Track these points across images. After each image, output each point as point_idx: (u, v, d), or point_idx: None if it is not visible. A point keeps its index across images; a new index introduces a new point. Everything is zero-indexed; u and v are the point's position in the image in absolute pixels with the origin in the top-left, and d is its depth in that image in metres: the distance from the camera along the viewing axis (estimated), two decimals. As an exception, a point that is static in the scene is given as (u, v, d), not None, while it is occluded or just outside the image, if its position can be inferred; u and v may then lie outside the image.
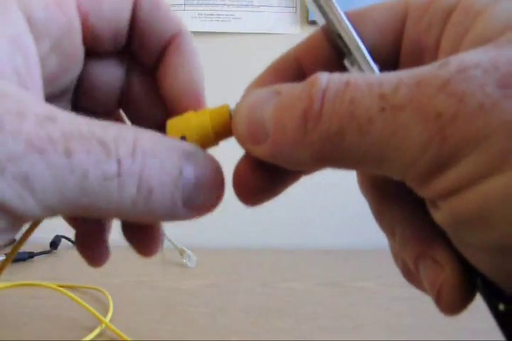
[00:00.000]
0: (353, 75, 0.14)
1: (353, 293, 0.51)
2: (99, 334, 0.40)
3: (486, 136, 0.12)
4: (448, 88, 0.12)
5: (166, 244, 0.75)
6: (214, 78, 0.77)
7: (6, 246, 0.67)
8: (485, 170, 0.12)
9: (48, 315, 0.43)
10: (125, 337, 0.38)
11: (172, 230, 0.71)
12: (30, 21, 0.17)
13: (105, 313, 0.43)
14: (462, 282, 0.15)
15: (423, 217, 0.16)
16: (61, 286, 0.47)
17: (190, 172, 0.16)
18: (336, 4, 0.16)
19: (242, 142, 0.16)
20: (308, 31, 0.89)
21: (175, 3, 0.75)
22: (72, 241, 0.71)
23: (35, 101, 0.15)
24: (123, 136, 0.15)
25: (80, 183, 0.14)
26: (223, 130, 0.18)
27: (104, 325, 0.40)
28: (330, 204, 0.75)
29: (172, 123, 0.19)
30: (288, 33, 0.76)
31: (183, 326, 0.42)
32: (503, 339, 0.18)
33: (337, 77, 0.14)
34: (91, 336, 0.39)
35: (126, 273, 0.55)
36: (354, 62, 0.17)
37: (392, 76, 0.13)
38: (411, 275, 0.18)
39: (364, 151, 0.13)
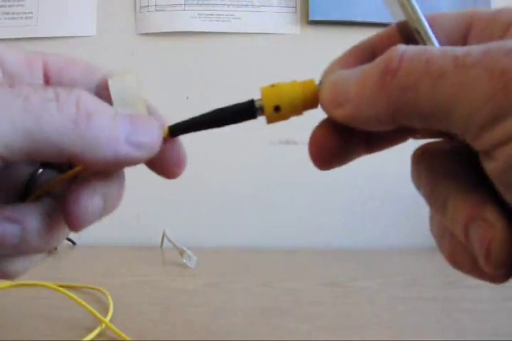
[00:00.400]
0: (428, 46, 0.17)
1: (353, 293, 0.51)
2: (99, 334, 0.40)
3: None
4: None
5: (165, 244, 0.76)
6: (214, 78, 0.77)
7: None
8: None
9: (48, 315, 0.43)
10: (125, 337, 0.38)
11: (172, 230, 0.71)
12: (1, 66, 0.21)
13: (105, 313, 0.43)
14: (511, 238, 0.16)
15: (474, 186, 0.17)
16: (61, 286, 0.47)
17: (126, 118, 0.18)
18: (416, 5, 0.19)
19: (325, 106, 0.19)
20: (308, 31, 0.89)
21: (175, 3, 0.75)
22: (72, 241, 0.71)
23: None
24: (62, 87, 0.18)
25: (22, 106, 0.16)
26: (310, 101, 0.20)
27: (104, 325, 0.40)
28: (330, 204, 0.75)
29: (266, 91, 0.20)
30: (288, 33, 0.76)
31: (183, 326, 0.42)
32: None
33: (413, 46, 0.16)
34: (91, 336, 0.39)
35: (126, 273, 0.55)
36: None
37: (462, 47, 0.15)
38: (457, 249, 0.18)
39: (435, 103, 0.15)
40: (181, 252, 0.61)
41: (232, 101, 0.21)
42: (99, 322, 0.41)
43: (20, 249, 0.20)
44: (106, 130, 0.17)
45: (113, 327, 0.40)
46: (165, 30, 0.75)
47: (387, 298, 0.49)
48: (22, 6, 0.75)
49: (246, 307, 0.46)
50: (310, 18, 0.74)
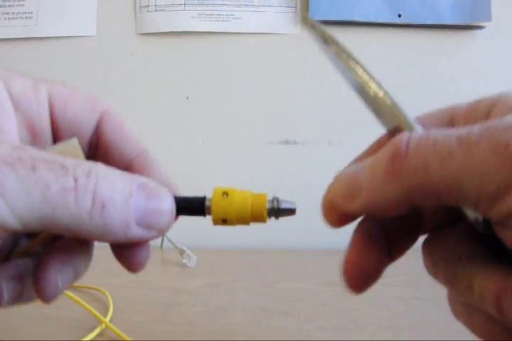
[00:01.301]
0: (429, 130, 0.17)
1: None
2: (100, 334, 0.40)
3: None
4: None
5: (166, 244, 0.76)
6: (214, 78, 0.77)
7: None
8: None
9: (48, 315, 0.43)
10: (125, 337, 0.38)
11: (172, 230, 0.71)
12: (10, 94, 0.21)
13: (105, 313, 0.43)
14: None
15: (493, 260, 0.18)
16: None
17: (141, 195, 0.19)
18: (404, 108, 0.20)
19: (339, 202, 0.19)
20: (308, 31, 0.88)
21: (175, 3, 0.75)
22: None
23: (10, 139, 0.19)
24: (81, 163, 0.18)
25: (42, 193, 0.17)
26: (258, 216, 0.22)
27: (104, 325, 0.40)
28: (330, 204, 0.75)
29: (216, 203, 0.21)
30: (288, 33, 0.76)
31: (183, 326, 0.42)
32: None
33: (417, 132, 0.17)
34: (91, 336, 0.39)
35: (126, 273, 0.55)
36: None
37: (462, 128, 0.16)
38: (489, 325, 0.19)
39: (446, 180, 0.16)
40: (181, 252, 0.61)
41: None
42: (99, 322, 0.41)
43: None
44: (118, 218, 0.18)
45: (113, 327, 0.40)
46: (165, 30, 0.75)
47: (387, 298, 0.49)
48: (22, 5, 0.75)
49: (246, 307, 0.46)
50: (310, 18, 0.73)
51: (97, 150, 0.24)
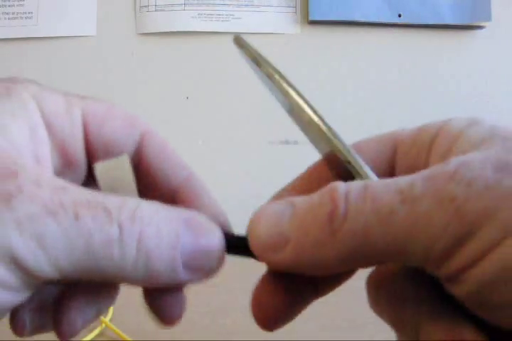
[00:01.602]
0: (368, 180, 0.16)
1: (354, 292, 0.51)
2: (100, 334, 0.40)
3: (495, 209, 0.14)
4: (456, 177, 0.14)
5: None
6: (214, 78, 0.77)
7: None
8: (500, 235, 0.14)
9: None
10: (125, 336, 0.38)
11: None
12: (42, 115, 0.19)
13: (105, 313, 0.43)
14: None
15: (441, 306, 0.17)
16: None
17: (188, 236, 0.17)
18: (339, 134, 0.19)
19: (260, 252, 0.17)
20: (308, 31, 0.89)
21: (175, 3, 0.75)
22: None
23: (49, 175, 0.18)
24: (125, 203, 0.17)
25: (85, 245, 0.16)
26: None
27: (104, 325, 0.40)
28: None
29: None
30: (288, 33, 0.76)
31: (183, 326, 0.42)
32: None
33: (354, 182, 0.16)
34: (91, 336, 0.39)
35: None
36: None
37: (403, 177, 0.15)
38: None
39: (388, 241, 0.15)
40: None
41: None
42: (99, 322, 0.41)
43: None
44: (164, 265, 0.17)
45: (113, 327, 0.40)
46: (165, 30, 0.75)
47: (387, 297, 0.49)
48: (22, 5, 0.75)
49: (246, 307, 0.46)
50: (310, 18, 0.74)
51: (139, 174, 0.21)
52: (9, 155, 0.17)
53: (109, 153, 0.21)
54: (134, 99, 0.78)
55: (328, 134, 0.19)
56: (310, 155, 0.77)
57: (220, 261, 0.19)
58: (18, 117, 0.18)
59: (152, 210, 0.17)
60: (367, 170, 0.18)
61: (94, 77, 0.77)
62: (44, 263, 0.15)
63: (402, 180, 0.15)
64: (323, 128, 0.19)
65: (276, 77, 0.20)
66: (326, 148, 0.19)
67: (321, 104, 0.81)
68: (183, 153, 0.85)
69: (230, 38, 0.86)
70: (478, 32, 0.78)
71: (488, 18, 0.75)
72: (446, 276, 0.15)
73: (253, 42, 0.86)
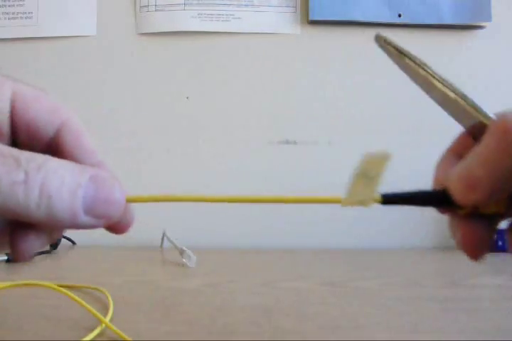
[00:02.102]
0: None
1: (353, 292, 0.51)
2: (100, 334, 0.40)
3: None
4: None
5: (166, 243, 0.76)
6: (214, 78, 0.77)
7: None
8: None
9: (48, 315, 0.43)
10: (125, 336, 0.38)
11: (172, 230, 0.71)
12: None
13: (105, 313, 0.43)
14: None
15: None
16: (61, 286, 0.47)
17: (91, 186, 0.20)
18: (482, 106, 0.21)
19: (461, 197, 0.20)
20: (308, 31, 0.89)
21: (175, 3, 0.74)
22: (72, 241, 0.71)
23: None
24: (35, 156, 0.19)
25: None
26: None
27: (104, 325, 0.40)
28: (330, 204, 0.75)
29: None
30: (288, 33, 0.76)
31: (183, 326, 0.42)
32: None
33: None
34: (91, 336, 0.39)
35: (126, 273, 0.55)
36: None
37: None
38: None
39: None
40: (181, 252, 0.61)
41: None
42: (99, 322, 0.41)
43: None
44: (65, 207, 0.19)
45: (113, 327, 0.40)
46: (165, 30, 0.75)
47: (387, 297, 0.49)
48: (22, 5, 0.75)
49: (246, 307, 0.46)
50: (310, 18, 0.74)
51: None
52: None
53: (31, 133, 0.23)
54: (134, 98, 0.78)
55: (475, 107, 0.21)
56: (310, 155, 0.77)
57: (119, 211, 0.21)
58: None
59: (59, 164, 0.20)
60: None
61: (94, 76, 0.77)
62: None
63: None
64: (470, 102, 0.21)
65: (421, 69, 0.22)
66: (471, 121, 0.21)
67: (320, 104, 0.81)
68: (183, 152, 0.86)
69: (230, 38, 0.86)
70: (478, 32, 0.78)
71: (489, 18, 0.75)
72: None
73: (253, 42, 0.86)
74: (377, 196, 0.23)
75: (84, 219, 0.20)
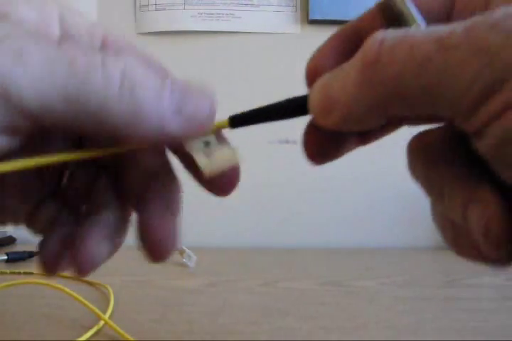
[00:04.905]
0: (407, 29, 0.16)
1: (353, 292, 0.51)
2: (99, 333, 0.40)
3: None
4: (496, 28, 0.14)
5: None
6: (214, 78, 0.77)
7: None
8: None
9: (48, 314, 0.43)
10: (124, 334, 0.38)
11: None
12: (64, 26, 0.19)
13: (105, 312, 0.43)
14: (508, 216, 0.16)
15: (468, 171, 0.17)
16: (63, 277, 0.47)
17: (176, 80, 0.17)
18: None
19: (316, 117, 0.18)
20: (308, 31, 0.89)
21: (175, 3, 0.74)
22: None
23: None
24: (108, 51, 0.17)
25: (67, 67, 0.15)
26: None
27: (103, 323, 0.40)
28: (330, 203, 0.75)
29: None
30: (288, 33, 0.76)
31: (183, 326, 0.42)
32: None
33: (393, 30, 0.16)
34: (90, 333, 0.39)
35: (126, 273, 0.55)
36: None
37: (445, 26, 0.15)
38: (459, 237, 0.18)
39: (422, 89, 0.15)
40: (181, 252, 0.61)
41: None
42: (99, 320, 0.41)
43: None
44: (151, 102, 0.16)
45: (112, 324, 0.40)
46: (165, 30, 0.75)
47: (387, 297, 0.49)
48: (22, 5, 0.75)
49: (246, 307, 0.46)
50: (310, 18, 0.73)
51: None
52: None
53: None
54: (133, 98, 0.78)
55: None
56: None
57: (212, 114, 0.18)
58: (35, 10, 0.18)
59: (140, 65, 0.17)
60: (419, 21, 0.18)
61: (94, 76, 0.77)
62: (22, 82, 0.14)
63: (443, 28, 0.15)
64: None
65: None
66: None
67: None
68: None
69: (230, 38, 0.86)
70: (478, 31, 0.78)
71: (489, 18, 0.75)
72: (474, 130, 0.15)
73: (253, 41, 0.86)
74: (224, 121, 0.20)
75: (173, 118, 0.16)
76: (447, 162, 0.18)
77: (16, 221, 0.22)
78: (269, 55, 0.76)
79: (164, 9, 0.75)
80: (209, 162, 0.19)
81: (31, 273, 0.53)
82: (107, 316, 0.42)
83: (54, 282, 0.48)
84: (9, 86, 0.14)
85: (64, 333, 0.39)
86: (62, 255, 0.21)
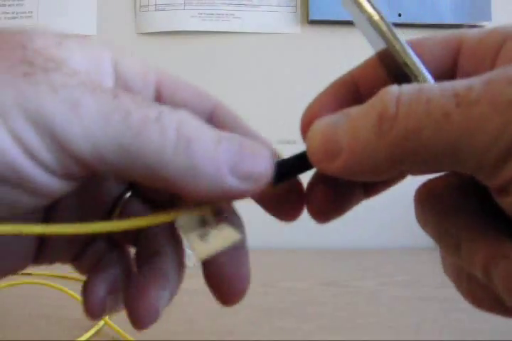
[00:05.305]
0: (423, 83, 0.16)
1: (353, 292, 0.51)
2: (100, 333, 0.40)
3: None
4: None
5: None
6: (214, 78, 0.77)
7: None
8: None
9: (48, 314, 0.43)
10: (124, 334, 0.38)
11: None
12: (116, 70, 0.19)
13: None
14: None
15: (486, 223, 0.16)
16: (62, 277, 0.47)
17: (230, 137, 0.17)
18: (397, 32, 0.18)
19: (317, 162, 0.17)
20: (308, 31, 0.89)
21: (175, 3, 0.74)
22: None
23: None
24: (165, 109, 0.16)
25: (122, 121, 0.15)
26: None
27: (103, 323, 0.40)
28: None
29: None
30: (288, 33, 0.76)
31: (183, 326, 0.42)
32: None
33: (408, 85, 0.15)
34: (90, 333, 0.39)
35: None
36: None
37: (462, 81, 0.15)
38: (477, 289, 0.18)
39: (441, 145, 0.14)
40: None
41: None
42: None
43: None
44: (206, 157, 0.16)
45: (112, 324, 0.40)
46: (165, 30, 0.75)
47: (387, 297, 0.49)
48: (22, 5, 0.75)
49: (246, 307, 0.46)
50: (310, 18, 0.73)
51: None
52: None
53: None
54: (133, 98, 0.78)
55: (386, 30, 0.18)
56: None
57: (269, 170, 0.17)
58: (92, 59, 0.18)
59: (196, 119, 0.17)
60: (424, 72, 0.17)
61: (94, 76, 0.77)
62: (77, 133, 0.15)
63: (459, 83, 0.14)
64: (381, 23, 0.18)
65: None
66: (381, 45, 0.18)
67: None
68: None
69: (230, 38, 0.86)
70: (478, 32, 0.77)
71: (488, 18, 0.75)
72: (498, 186, 0.15)
73: (253, 41, 0.86)
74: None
75: (230, 177, 0.16)
76: (462, 212, 0.17)
77: (63, 261, 0.22)
78: (269, 55, 0.76)
79: (164, 9, 0.75)
80: (203, 245, 0.17)
81: (29, 274, 0.53)
82: (106, 316, 0.42)
83: (54, 282, 0.48)
84: (65, 135, 0.15)
85: (64, 333, 0.39)
86: (108, 300, 0.21)
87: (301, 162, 0.18)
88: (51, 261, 0.22)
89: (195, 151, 0.16)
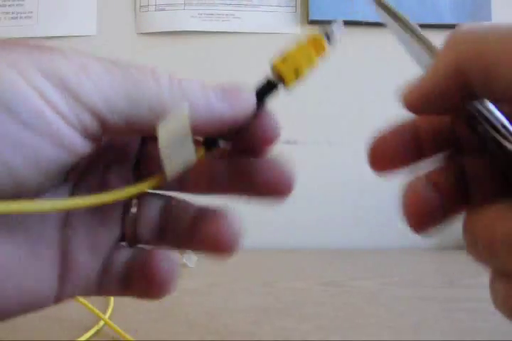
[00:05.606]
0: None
1: (353, 292, 0.51)
2: (99, 333, 0.40)
3: None
4: None
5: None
6: (214, 78, 0.77)
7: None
8: None
9: (48, 314, 0.43)
10: (124, 334, 0.38)
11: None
12: None
13: (105, 312, 0.43)
14: None
15: None
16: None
17: (218, 86, 0.20)
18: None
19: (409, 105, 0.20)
20: (308, 31, 0.89)
21: (175, 3, 0.74)
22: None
23: None
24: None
25: (123, 73, 0.18)
26: (319, 47, 0.24)
27: (103, 323, 0.40)
28: (329, 203, 0.75)
29: (278, 65, 0.24)
30: (288, 33, 0.76)
31: (183, 326, 0.42)
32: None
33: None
34: (90, 333, 0.39)
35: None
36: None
37: None
38: None
39: (501, 54, 0.16)
40: (181, 252, 0.61)
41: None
42: (99, 319, 0.41)
43: None
44: (196, 90, 0.19)
45: (112, 324, 0.40)
46: (165, 30, 0.75)
47: (387, 297, 0.49)
48: (22, 5, 0.75)
49: (246, 307, 0.46)
50: (310, 18, 0.73)
51: None
52: None
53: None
54: (133, 98, 0.78)
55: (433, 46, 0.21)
56: (310, 155, 0.77)
57: (252, 100, 0.21)
58: None
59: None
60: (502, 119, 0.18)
61: (94, 76, 0.77)
62: (90, 87, 0.17)
63: None
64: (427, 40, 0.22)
65: (416, 33, 0.22)
66: (422, 57, 0.22)
67: (321, 104, 0.81)
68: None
69: (230, 38, 0.86)
70: (478, 32, 0.78)
71: (488, 18, 0.75)
72: None
73: (253, 42, 0.86)
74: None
75: (217, 102, 0.19)
76: None
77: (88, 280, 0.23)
78: (269, 56, 0.76)
79: (164, 9, 0.75)
80: (170, 162, 0.19)
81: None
82: (106, 316, 0.42)
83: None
84: (79, 90, 0.17)
85: (64, 333, 0.39)
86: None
87: (269, 86, 0.23)
88: (74, 292, 0.23)
89: (187, 88, 0.19)
